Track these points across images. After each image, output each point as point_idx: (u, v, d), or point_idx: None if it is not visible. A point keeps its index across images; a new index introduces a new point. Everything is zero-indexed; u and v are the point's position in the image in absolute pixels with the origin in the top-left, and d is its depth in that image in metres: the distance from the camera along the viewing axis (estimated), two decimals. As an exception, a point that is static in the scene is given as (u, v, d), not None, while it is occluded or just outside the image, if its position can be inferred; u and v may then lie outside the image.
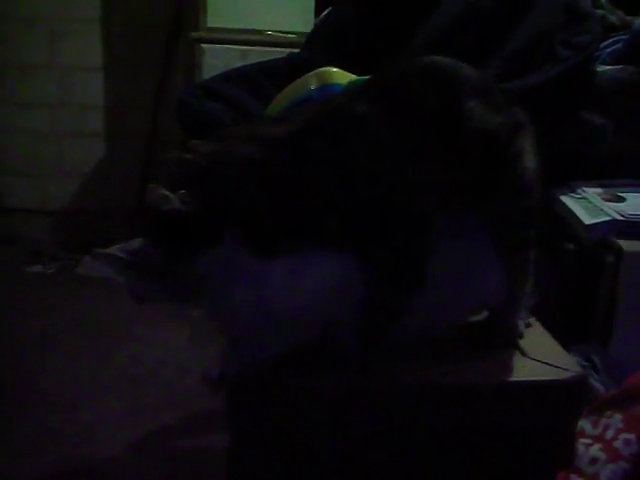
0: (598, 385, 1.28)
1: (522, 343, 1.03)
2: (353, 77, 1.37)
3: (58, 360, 2.13)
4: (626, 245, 1.37)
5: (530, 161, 1.00)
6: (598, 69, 1.67)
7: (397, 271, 0.91)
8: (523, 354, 1.00)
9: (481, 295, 1.04)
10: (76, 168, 3.27)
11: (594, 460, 1.06)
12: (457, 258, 0.96)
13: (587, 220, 1.44)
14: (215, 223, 0.85)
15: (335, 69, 1.42)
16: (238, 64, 1.91)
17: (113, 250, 0.85)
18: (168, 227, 0.84)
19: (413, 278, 0.92)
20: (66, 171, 3.29)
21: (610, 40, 1.74)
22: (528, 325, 1.08)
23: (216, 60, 2.46)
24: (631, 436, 1.07)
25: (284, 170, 0.87)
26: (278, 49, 2.29)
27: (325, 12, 1.97)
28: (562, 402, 0.96)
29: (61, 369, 2.07)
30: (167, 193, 0.83)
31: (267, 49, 2.44)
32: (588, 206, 1.50)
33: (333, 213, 0.87)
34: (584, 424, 1.11)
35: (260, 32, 2.61)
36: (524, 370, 0.97)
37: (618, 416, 1.10)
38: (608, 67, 1.68)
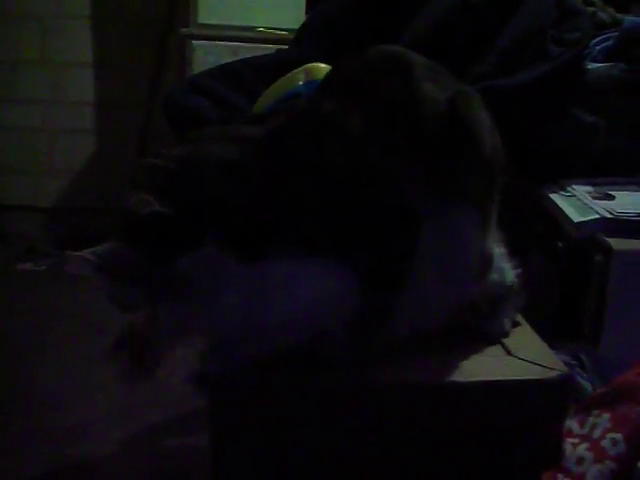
0: (586, 384, 1.28)
1: (508, 342, 1.03)
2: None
3: (48, 358, 2.12)
4: (615, 243, 1.37)
5: (489, 133, 0.99)
6: (589, 66, 1.67)
7: (383, 270, 0.90)
8: (509, 353, 1.00)
9: (466, 287, 1.03)
10: (68, 165, 3.26)
11: (581, 460, 1.06)
12: (440, 249, 0.96)
13: (576, 218, 1.44)
14: (196, 225, 0.84)
15: (323, 65, 1.41)
16: (229, 61, 1.90)
17: (84, 253, 0.83)
18: (148, 230, 0.82)
19: (400, 275, 0.92)
20: (58, 168, 3.27)
21: (600, 37, 1.73)
22: (515, 324, 1.08)
23: (207, 56, 2.46)
24: (618, 435, 1.07)
25: (258, 171, 0.86)
26: (269, 46, 2.28)
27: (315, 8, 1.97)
28: (547, 401, 0.95)
29: (51, 367, 2.06)
30: (147, 197, 0.82)
31: (258, 46, 2.42)
32: (577, 204, 1.50)
33: (313, 215, 0.86)
34: (571, 423, 1.11)
35: (251, 29, 2.61)
36: (510, 369, 0.96)
37: (606, 415, 1.10)
38: (599, 64, 1.67)
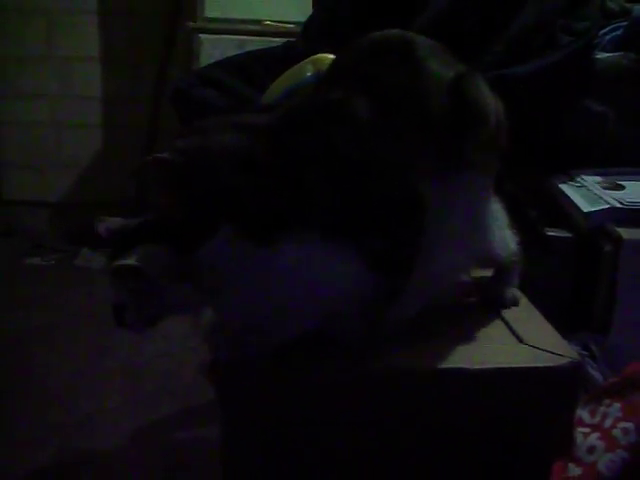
0: (596, 374, 1.27)
1: (519, 329, 1.02)
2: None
3: (57, 351, 2.13)
4: (625, 233, 1.36)
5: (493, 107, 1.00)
6: (598, 56, 1.66)
7: (392, 254, 0.90)
8: (520, 340, 1.00)
9: (476, 245, 1.04)
10: (75, 160, 3.27)
11: (592, 449, 1.05)
12: (447, 218, 0.96)
13: (586, 208, 1.43)
14: (207, 216, 0.84)
15: (331, 56, 1.41)
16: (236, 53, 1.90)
17: (132, 262, 0.82)
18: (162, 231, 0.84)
19: (408, 259, 0.91)
20: (65, 163, 3.28)
21: (610, 27, 1.72)
22: (515, 302, 1.10)
23: (214, 50, 2.45)
24: (630, 425, 1.06)
25: (268, 160, 0.86)
26: (276, 39, 2.27)
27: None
28: (558, 389, 0.95)
29: (60, 361, 2.07)
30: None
31: (265, 39, 2.42)
32: (587, 194, 1.49)
33: (323, 201, 0.86)
34: (582, 412, 1.10)
35: (258, 22, 2.61)
36: (520, 356, 0.96)
37: (617, 404, 1.09)
38: (608, 54, 1.66)
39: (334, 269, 0.87)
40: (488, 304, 1.10)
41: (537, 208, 1.53)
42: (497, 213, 1.06)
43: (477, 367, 0.93)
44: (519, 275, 1.12)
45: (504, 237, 1.07)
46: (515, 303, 1.10)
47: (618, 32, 1.71)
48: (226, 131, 0.89)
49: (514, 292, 1.12)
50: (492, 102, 0.99)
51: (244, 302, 0.87)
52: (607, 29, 1.72)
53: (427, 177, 0.93)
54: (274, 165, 0.86)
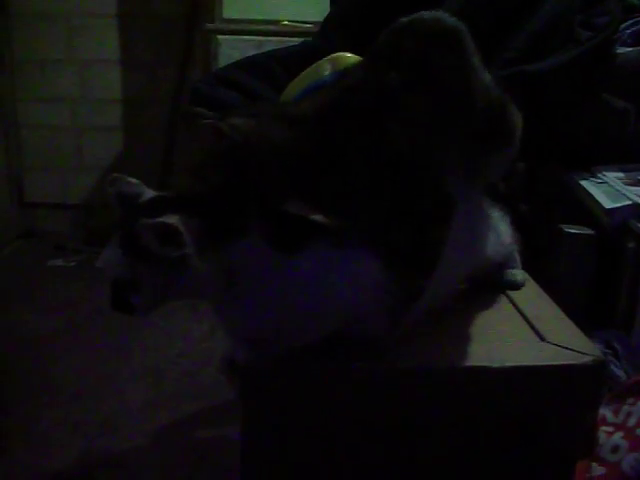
0: (619, 372, 1.26)
1: (541, 327, 1.01)
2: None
3: (79, 352, 2.14)
4: (648, 230, 1.35)
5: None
6: (619, 51, 1.64)
7: (418, 255, 0.89)
8: (542, 338, 0.98)
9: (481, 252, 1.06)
10: (96, 162, 3.29)
11: (615, 448, 1.04)
12: (464, 227, 0.95)
13: (608, 204, 1.42)
14: (241, 206, 0.81)
15: (349, 54, 1.40)
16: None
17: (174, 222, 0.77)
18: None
19: (434, 260, 0.90)
20: (86, 165, 3.31)
21: (631, 21, 1.70)
22: (522, 283, 1.14)
23: (232, 51, 2.47)
24: (654, 423, 1.05)
25: (313, 155, 0.84)
26: (294, 39, 2.27)
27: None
28: (581, 387, 0.93)
29: (82, 361, 2.09)
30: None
31: (283, 39, 2.43)
32: (609, 190, 1.48)
33: (355, 199, 0.84)
34: (605, 412, 1.09)
35: (276, 22, 2.62)
36: (543, 354, 0.94)
37: (641, 403, 1.08)
38: (629, 49, 1.65)
39: (355, 272, 0.84)
40: (496, 288, 1.13)
41: (558, 204, 1.52)
42: (490, 211, 1.08)
43: (499, 365, 0.91)
44: (521, 257, 1.16)
45: (499, 233, 1.09)
46: (523, 284, 1.14)
47: (639, 26, 1.69)
48: (279, 123, 0.87)
49: (521, 273, 1.15)
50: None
51: (264, 308, 0.84)
52: (627, 23, 1.70)
53: (457, 175, 0.92)
54: (320, 161, 0.84)
